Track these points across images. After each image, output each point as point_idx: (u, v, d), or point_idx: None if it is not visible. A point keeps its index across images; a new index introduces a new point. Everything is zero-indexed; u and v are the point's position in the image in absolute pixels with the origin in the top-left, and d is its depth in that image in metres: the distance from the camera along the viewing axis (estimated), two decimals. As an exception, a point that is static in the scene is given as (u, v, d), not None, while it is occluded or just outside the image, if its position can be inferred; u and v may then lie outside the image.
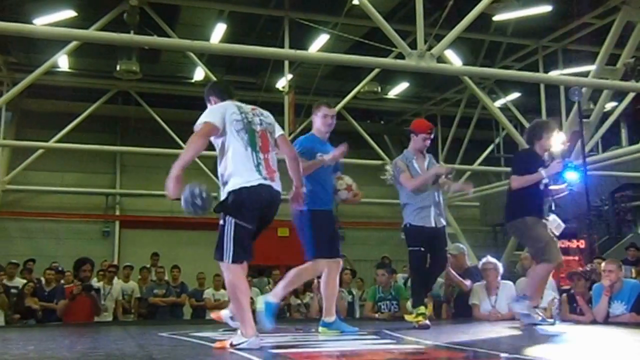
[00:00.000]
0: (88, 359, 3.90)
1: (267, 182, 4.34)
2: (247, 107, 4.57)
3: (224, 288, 11.37)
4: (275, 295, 5.46)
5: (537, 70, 15.31)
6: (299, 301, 10.85)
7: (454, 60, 14.37)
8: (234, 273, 4.26)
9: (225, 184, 4.34)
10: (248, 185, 4.25)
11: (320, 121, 6.08)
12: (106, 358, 3.89)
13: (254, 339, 4.17)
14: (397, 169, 6.71)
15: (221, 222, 4.28)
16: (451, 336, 5.56)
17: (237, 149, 4.32)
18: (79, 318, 8.85)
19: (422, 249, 6.52)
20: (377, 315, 8.70)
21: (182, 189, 4.16)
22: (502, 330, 5.92)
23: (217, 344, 4.32)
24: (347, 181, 5.98)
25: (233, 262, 4.23)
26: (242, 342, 4.15)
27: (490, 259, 8.16)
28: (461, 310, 8.27)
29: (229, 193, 4.27)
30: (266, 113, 4.67)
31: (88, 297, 8.95)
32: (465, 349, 4.31)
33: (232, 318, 5.33)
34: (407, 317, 6.61)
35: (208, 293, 11.04)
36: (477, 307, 7.89)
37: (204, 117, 4.35)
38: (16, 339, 5.74)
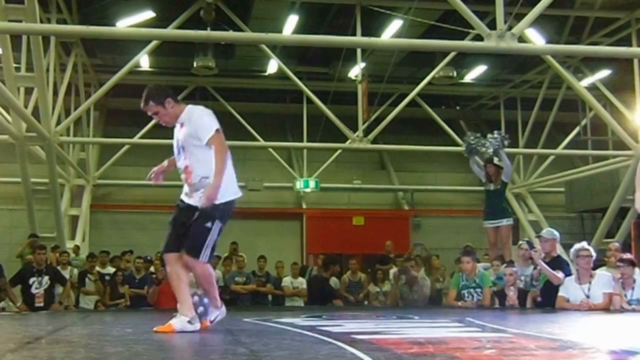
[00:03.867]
0: (181, 342, 4.14)
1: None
2: None
3: (302, 276, 11.68)
4: None
5: (630, 45, 14.11)
6: (378, 289, 10.95)
7: (536, 39, 13.47)
8: (205, 268, 4.81)
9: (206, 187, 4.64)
10: (238, 196, 4.79)
11: None
12: (198, 341, 4.12)
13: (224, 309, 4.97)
14: None
15: (208, 224, 4.67)
16: (539, 325, 5.36)
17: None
18: (167, 303, 9.26)
19: None
20: (459, 303, 8.58)
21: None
22: (594, 320, 5.76)
23: (158, 328, 4.55)
24: None
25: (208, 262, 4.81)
26: (217, 315, 4.93)
27: (585, 245, 7.79)
28: (548, 299, 7.95)
29: (224, 203, 4.66)
30: None
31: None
32: (556, 338, 4.13)
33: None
34: None
35: (286, 281, 11.29)
36: (562, 298, 7.60)
37: (213, 124, 4.67)
38: (113, 322, 6.14)
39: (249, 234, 17.08)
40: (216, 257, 11.46)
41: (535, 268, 8.28)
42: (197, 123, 4.68)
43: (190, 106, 4.85)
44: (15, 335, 4.63)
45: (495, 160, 9.99)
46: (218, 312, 4.94)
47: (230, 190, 4.68)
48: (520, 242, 8.96)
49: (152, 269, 10.73)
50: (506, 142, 9.93)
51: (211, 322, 4.85)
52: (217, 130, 4.62)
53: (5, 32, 9.61)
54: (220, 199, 4.60)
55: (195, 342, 4.11)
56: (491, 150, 9.79)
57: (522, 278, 8.41)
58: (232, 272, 11.21)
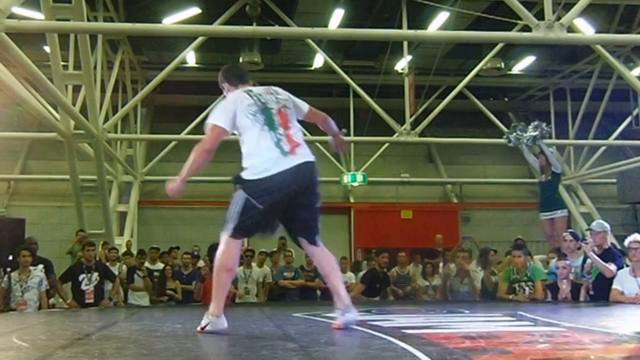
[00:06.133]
0: (231, 337, 4.10)
1: (290, 160, 4.21)
2: (260, 89, 4.48)
3: (352, 271, 11.60)
4: None
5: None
6: (427, 283, 10.81)
7: (585, 29, 13.37)
8: (222, 246, 4.27)
9: (246, 166, 4.31)
10: (264, 175, 4.18)
11: None
12: (248, 337, 4.08)
13: (216, 320, 4.19)
14: None
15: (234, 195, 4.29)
16: (593, 319, 5.25)
17: (254, 131, 4.26)
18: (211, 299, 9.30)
19: None
20: (510, 297, 8.46)
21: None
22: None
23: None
24: None
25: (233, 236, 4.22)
26: (207, 324, 4.19)
27: (637, 237, 7.53)
28: (600, 292, 7.77)
29: (251, 180, 4.24)
30: (280, 90, 4.55)
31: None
32: (611, 332, 4.03)
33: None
34: None
35: (334, 276, 11.22)
36: (616, 291, 7.41)
37: (213, 118, 4.31)
38: (163, 318, 6.16)
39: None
40: (263, 253, 11.52)
41: (585, 259, 8.13)
42: None
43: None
44: (66, 332, 4.66)
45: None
46: (207, 321, 4.24)
47: (256, 171, 4.22)
48: (564, 234, 8.77)
49: (199, 263, 10.81)
50: (545, 133, 9.74)
51: (202, 329, 4.22)
52: (214, 126, 4.29)
53: (53, 31, 9.76)
54: (247, 177, 4.25)
55: (245, 338, 4.08)
56: (525, 141, 9.61)
57: (573, 269, 8.27)
58: (281, 267, 11.21)
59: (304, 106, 4.66)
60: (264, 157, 4.22)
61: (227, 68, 4.74)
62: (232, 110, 4.33)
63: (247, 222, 4.18)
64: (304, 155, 4.33)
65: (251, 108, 4.31)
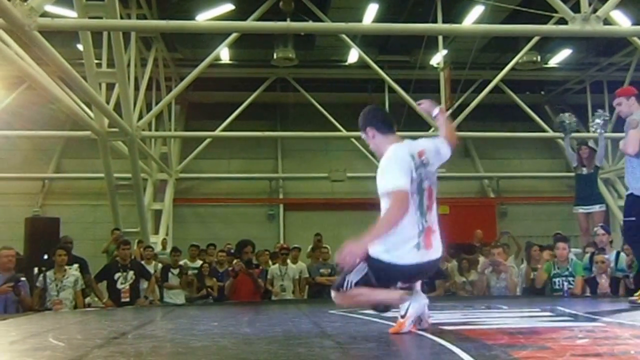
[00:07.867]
0: (267, 335, 4.07)
1: (423, 255, 3.81)
2: (415, 150, 3.90)
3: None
4: None
5: None
6: (464, 279, 10.67)
7: (622, 21, 13.28)
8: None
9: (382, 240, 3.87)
10: (401, 263, 3.80)
11: None
12: (284, 334, 4.04)
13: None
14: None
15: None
16: (633, 314, 5.17)
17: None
18: (244, 296, 9.24)
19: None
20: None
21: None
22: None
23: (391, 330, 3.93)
24: None
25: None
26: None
27: None
28: None
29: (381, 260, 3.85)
30: (428, 150, 3.95)
31: (248, 276, 9.31)
32: None
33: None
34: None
35: (370, 272, 11.15)
36: None
37: (394, 180, 3.78)
38: (199, 316, 6.16)
39: (332, 225, 17.03)
40: (297, 249, 11.49)
41: (618, 253, 8.13)
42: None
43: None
44: (102, 331, 4.68)
45: (591, 143, 9.58)
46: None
47: (389, 253, 3.85)
48: (595, 228, 8.73)
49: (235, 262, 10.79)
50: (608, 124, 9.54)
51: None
52: (398, 190, 3.77)
53: (86, 29, 9.84)
54: (376, 254, 3.89)
55: (281, 335, 4.05)
56: (599, 130, 9.32)
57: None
58: (317, 264, 11.17)
59: (443, 146, 4.09)
60: (404, 241, 3.82)
61: (371, 111, 4.18)
62: (410, 169, 3.81)
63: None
64: (436, 250, 3.89)
65: (413, 184, 3.82)
